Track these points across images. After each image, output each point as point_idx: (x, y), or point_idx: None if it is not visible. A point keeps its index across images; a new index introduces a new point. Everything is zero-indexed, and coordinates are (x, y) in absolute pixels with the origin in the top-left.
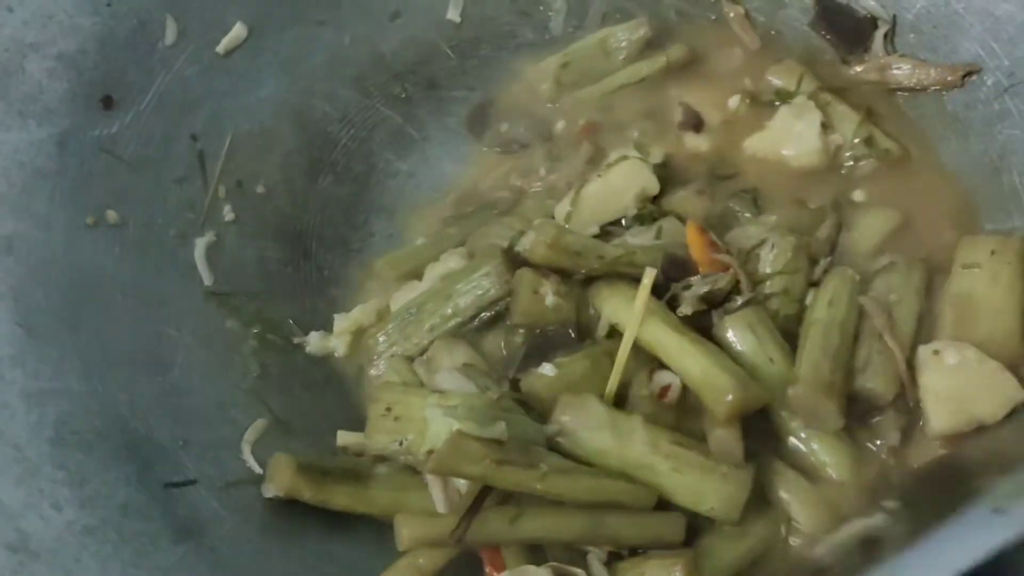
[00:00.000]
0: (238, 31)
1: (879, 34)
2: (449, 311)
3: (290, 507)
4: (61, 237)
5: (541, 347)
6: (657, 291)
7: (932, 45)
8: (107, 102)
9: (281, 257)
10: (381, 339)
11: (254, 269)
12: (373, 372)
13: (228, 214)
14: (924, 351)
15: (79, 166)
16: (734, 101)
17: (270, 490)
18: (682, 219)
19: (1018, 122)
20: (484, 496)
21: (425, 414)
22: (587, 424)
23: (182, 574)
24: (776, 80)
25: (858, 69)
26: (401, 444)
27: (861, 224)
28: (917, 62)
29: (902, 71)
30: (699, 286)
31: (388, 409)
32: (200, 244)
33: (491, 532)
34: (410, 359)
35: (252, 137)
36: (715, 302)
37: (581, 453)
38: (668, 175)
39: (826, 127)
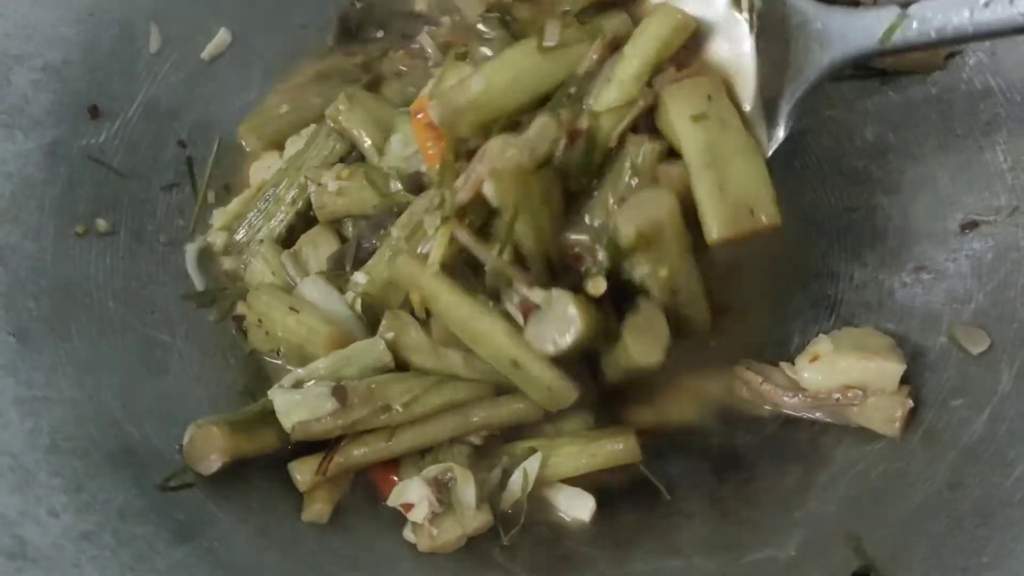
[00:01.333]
0: (222, 37)
1: None
2: (303, 179)
3: (285, 506)
4: (51, 246)
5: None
6: None
7: None
8: (93, 111)
9: None
10: (241, 233)
11: None
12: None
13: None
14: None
15: (68, 175)
16: None
17: (211, 464)
18: None
19: (1000, 100)
20: (339, 439)
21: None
22: (409, 347)
23: None
24: None
25: None
26: (279, 354)
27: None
28: None
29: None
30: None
31: (260, 321)
32: (191, 250)
33: (370, 454)
34: (279, 244)
35: (239, 142)
36: None
37: (414, 365)
38: None
39: None
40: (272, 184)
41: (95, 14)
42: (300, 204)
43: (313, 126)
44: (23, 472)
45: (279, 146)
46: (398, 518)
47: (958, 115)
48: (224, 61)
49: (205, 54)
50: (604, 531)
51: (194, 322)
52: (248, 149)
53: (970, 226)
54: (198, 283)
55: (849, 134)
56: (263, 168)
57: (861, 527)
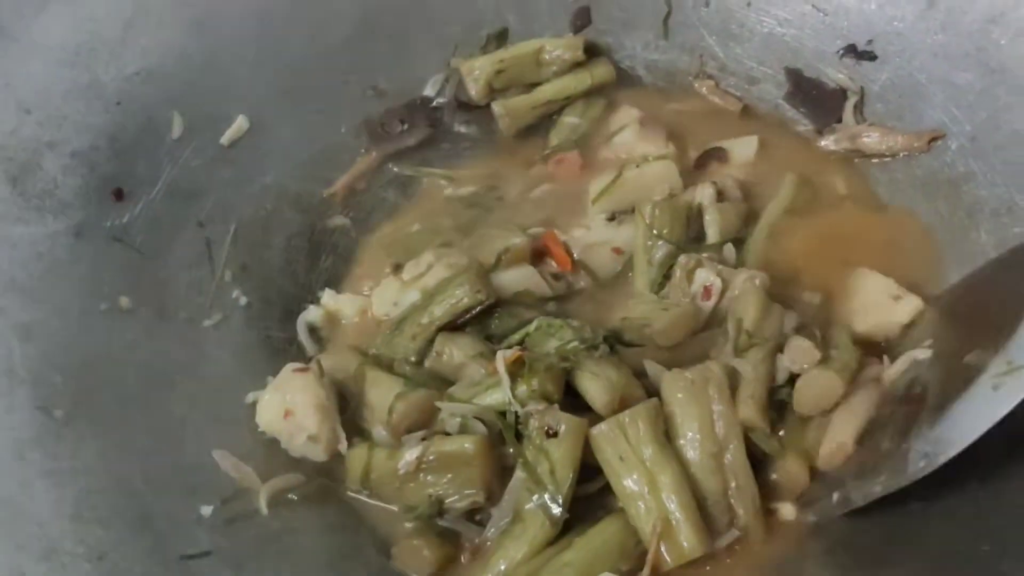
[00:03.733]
0: (240, 123)
1: (849, 105)
2: (426, 320)
3: (305, 573)
4: (76, 323)
5: None
6: None
7: (899, 114)
8: (118, 194)
9: (286, 336)
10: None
11: (260, 348)
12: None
13: (241, 298)
14: None
15: (93, 255)
16: None
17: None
18: None
19: (983, 183)
20: None
21: None
22: None
23: None
24: None
25: (831, 138)
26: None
27: None
28: (885, 130)
29: (872, 139)
30: None
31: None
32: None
33: None
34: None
35: (256, 222)
36: None
37: None
38: None
39: None
40: (396, 321)
41: (122, 103)
42: (420, 340)
43: (431, 254)
44: (49, 540)
45: (396, 268)
46: None
47: (942, 197)
48: (242, 146)
49: (224, 139)
50: None
51: (213, 397)
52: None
53: None
54: (309, 348)
55: None
56: (387, 299)
57: None
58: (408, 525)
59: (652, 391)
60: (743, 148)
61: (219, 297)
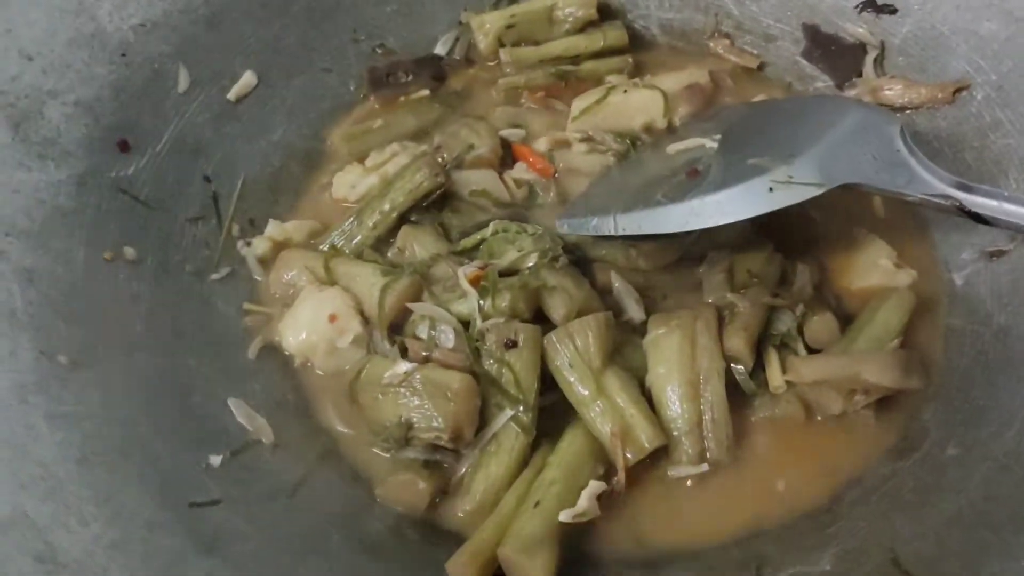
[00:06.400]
0: (248, 79)
1: (869, 59)
2: (387, 207)
3: (316, 524)
4: (80, 271)
5: None
6: None
7: (921, 66)
8: (123, 145)
9: None
10: (339, 240)
11: None
12: None
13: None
14: None
15: (97, 205)
16: None
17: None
18: None
19: (1011, 131)
20: None
21: None
22: None
23: None
24: None
25: (852, 93)
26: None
27: None
28: (908, 82)
29: (894, 91)
30: None
31: None
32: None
33: None
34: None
35: (263, 178)
36: None
37: None
38: None
39: None
40: (366, 201)
41: (127, 55)
42: (380, 229)
43: (397, 144)
44: (54, 481)
45: (361, 157)
46: (428, 553)
47: (969, 147)
48: (249, 102)
49: (231, 95)
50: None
51: (220, 350)
52: (332, 150)
53: (997, 254)
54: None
55: None
56: (347, 182)
57: (896, 540)
58: (386, 455)
59: (614, 308)
60: None
61: (226, 251)
